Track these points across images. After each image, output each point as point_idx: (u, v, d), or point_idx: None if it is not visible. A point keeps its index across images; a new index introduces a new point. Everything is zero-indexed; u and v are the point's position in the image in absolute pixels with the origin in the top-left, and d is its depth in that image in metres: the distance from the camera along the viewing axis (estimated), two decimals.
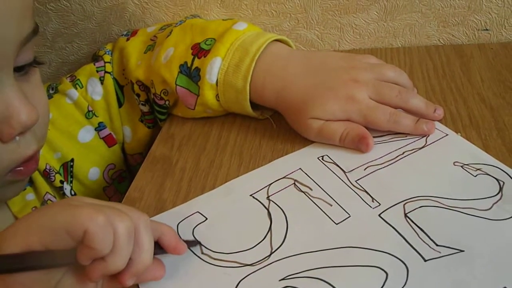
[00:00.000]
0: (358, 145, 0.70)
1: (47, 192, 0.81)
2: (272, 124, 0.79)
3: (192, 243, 0.62)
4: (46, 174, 0.82)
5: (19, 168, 0.64)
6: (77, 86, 0.88)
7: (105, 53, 0.91)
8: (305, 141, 0.75)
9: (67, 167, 0.86)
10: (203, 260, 0.60)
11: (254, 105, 0.79)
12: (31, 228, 0.50)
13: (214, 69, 0.77)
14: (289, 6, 0.97)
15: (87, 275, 0.52)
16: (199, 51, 0.79)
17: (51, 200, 0.80)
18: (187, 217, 0.66)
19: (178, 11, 1.00)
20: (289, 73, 0.75)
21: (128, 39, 0.90)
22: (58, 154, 0.85)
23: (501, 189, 0.63)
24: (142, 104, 0.88)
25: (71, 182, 0.86)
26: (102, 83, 0.89)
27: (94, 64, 0.90)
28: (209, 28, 0.81)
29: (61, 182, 0.83)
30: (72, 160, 0.86)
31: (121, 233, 0.51)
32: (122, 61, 0.89)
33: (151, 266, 0.55)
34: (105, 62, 0.90)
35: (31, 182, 0.80)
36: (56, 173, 0.83)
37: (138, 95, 0.87)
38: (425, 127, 0.71)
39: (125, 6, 1.02)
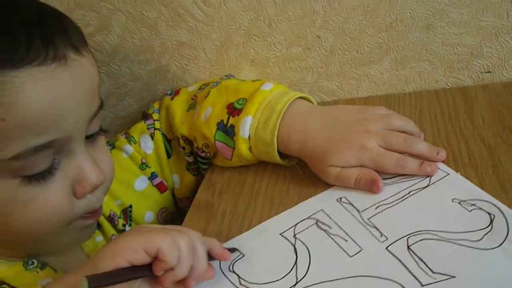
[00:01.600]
0: (370, 187, 0.81)
1: (113, 235, 0.94)
2: (298, 171, 0.90)
3: (232, 250, 0.76)
4: (110, 219, 0.95)
5: (87, 215, 0.78)
6: (131, 142, 1.01)
7: (154, 112, 1.03)
8: (326, 185, 0.86)
9: (126, 212, 0.99)
10: None
11: (282, 154, 0.90)
12: (116, 250, 0.63)
13: (246, 126, 0.89)
14: (311, 62, 1.08)
15: (161, 283, 0.66)
16: (233, 110, 0.91)
17: None
18: None
19: (214, 70, 1.12)
20: (310, 128, 0.86)
21: (172, 98, 1.03)
22: (118, 202, 0.97)
23: (491, 221, 0.73)
24: (187, 156, 1.01)
25: (130, 225, 0.99)
26: (152, 139, 1.01)
27: (145, 122, 1.02)
28: (241, 89, 0.93)
29: (123, 225, 0.96)
30: (130, 206, 0.99)
31: (183, 248, 0.65)
32: (168, 119, 1.01)
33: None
34: (154, 120, 1.02)
35: (99, 226, 0.92)
36: (118, 217, 0.96)
37: (183, 148, 1.00)
38: (428, 168, 0.82)
39: (168, 68, 1.14)
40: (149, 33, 1.11)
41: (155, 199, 1.03)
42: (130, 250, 0.63)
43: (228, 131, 0.91)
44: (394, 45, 1.04)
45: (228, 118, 0.91)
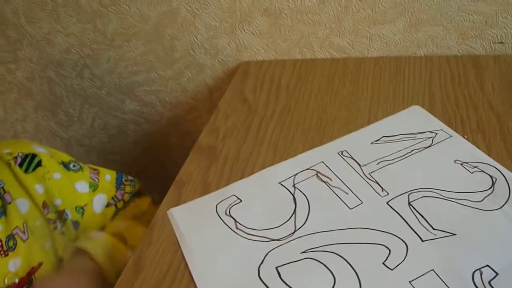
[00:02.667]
0: None
1: None
2: None
3: None
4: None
5: None
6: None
7: None
8: (333, 136, 0.86)
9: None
10: (237, 234, 0.72)
11: None
12: None
13: None
14: (324, 16, 1.06)
15: None
16: None
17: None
18: (225, 199, 0.78)
19: (226, 17, 1.11)
20: None
21: None
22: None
23: (493, 184, 0.72)
24: None
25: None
26: None
27: None
28: None
29: None
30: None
31: None
32: None
33: None
34: None
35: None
36: None
37: None
38: None
39: (178, 11, 1.13)
40: None
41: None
42: None
43: None
44: (410, 6, 1.02)
45: None
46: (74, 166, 0.93)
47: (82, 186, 0.92)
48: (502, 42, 1.03)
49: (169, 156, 1.45)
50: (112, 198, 0.96)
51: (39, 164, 0.88)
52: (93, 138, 1.49)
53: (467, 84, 0.95)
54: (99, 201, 0.94)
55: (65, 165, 0.91)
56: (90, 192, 0.92)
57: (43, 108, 1.45)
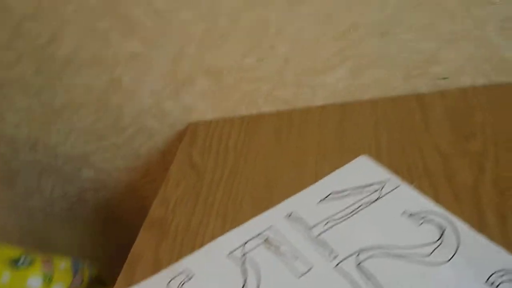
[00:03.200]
0: None
1: None
2: None
3: None
4: None
5: None
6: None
7: None
8: (280, 198, 0.85)
9: None
10: None
11: None
12: None
13: None
14: (265, 72, 1.06)
15: None
16: None
17: None
18: (176, 276, 0.77)
19: (168, 81, 1.11)
20: None
21: None
22: None
23: (442, 235, 0.72)
24: None
25: None
26: None
27: None
28: None
29: None
30: None
31: None
32: None
33: None
34: None
35: None
36: None
37: None
38: None
39: (120, 80, 1.13)
40: (101, 44, 1.09)
41: None
42: None
43: None
44: (350, 53, 1.02)
45: None
46: (23, 261, 0.91)
47: (35, 282, 0.90)
48: (446, 78, 1.03)
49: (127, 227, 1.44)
50: (69, 286, 0.94)
51: None
52: (54, 207, 1.47)
53: (412, 126, 0.95)
54: None
55: (14, 262, 0.90)
56: (44, 285, 0.90)
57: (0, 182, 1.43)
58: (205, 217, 0.87)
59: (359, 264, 0.71)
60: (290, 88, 1.08)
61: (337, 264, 0.72)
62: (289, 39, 1.02)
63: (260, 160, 0.97)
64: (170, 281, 0.77)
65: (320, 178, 0.87)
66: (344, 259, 0.73)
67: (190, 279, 0.76)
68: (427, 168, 0.84)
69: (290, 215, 0.82)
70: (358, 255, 0.72)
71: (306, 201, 0.84)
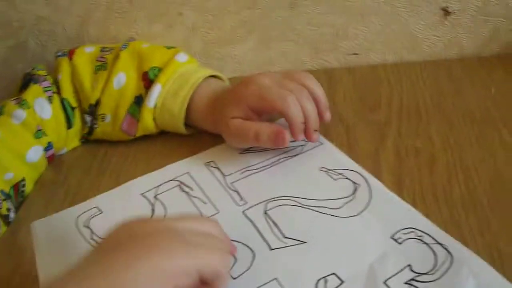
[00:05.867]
0: (275, 141, 0.76)
1: None
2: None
3: None
4: None
5: None
6: (24, 106, 0.86)
7: (46, 74, 0.92)
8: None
9: (18, 188, 0.85)
10: (90, 245, 0.71)
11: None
12: (159, 276, 0.50)
13: (153, 95, 0.86)
14: (173, 39, 1.04)
15: None
16: (149, 82, 0.88)
17: None
18: (86, 211, 0.77)
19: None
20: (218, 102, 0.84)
21: (71, 59, 0.92)
22: (9, 175, 0.83)
23: (355, 191, 0.73)
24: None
25: (21, 202, 0.85)
26: (50, 103, 0.89)
27: (40, 84, 0.90)
28: (154, 56, 0.90)
29: (8, 210, 0.82)
30: (23, 180, 0.85)
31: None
32: (73, 82, 0.92)
33: None
34: (51, 84, 0.91)
35: None
36: (3, 200, 0.82)
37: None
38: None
39: (26, 45, 1.09)
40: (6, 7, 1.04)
41: (42, 173, 0.90)
42: (184, 275, 0.52)
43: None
44: (258, 24, 1.02)
45: (146, 92, 0.88)
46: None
47: None
48: (356, 54, 1.05)
49: None
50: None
51: None
52: None
53: None
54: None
55: None
56: None
57: None
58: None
59: (266, 212, 0.72)
60: (199, 58, 1.05)
61: (244, 211, 0.73)
62: (196, 6, 1.02)
63: None
64: (80, 214, 0.76)
65: None
66: (252, 206, 0.73)
67: (99, 214, 0.76)
68: (331, 139, 0.84)
69: (208, 163, 0.82)
70: (267, 203, 0.73)
71: (227, 152, 0.84)
